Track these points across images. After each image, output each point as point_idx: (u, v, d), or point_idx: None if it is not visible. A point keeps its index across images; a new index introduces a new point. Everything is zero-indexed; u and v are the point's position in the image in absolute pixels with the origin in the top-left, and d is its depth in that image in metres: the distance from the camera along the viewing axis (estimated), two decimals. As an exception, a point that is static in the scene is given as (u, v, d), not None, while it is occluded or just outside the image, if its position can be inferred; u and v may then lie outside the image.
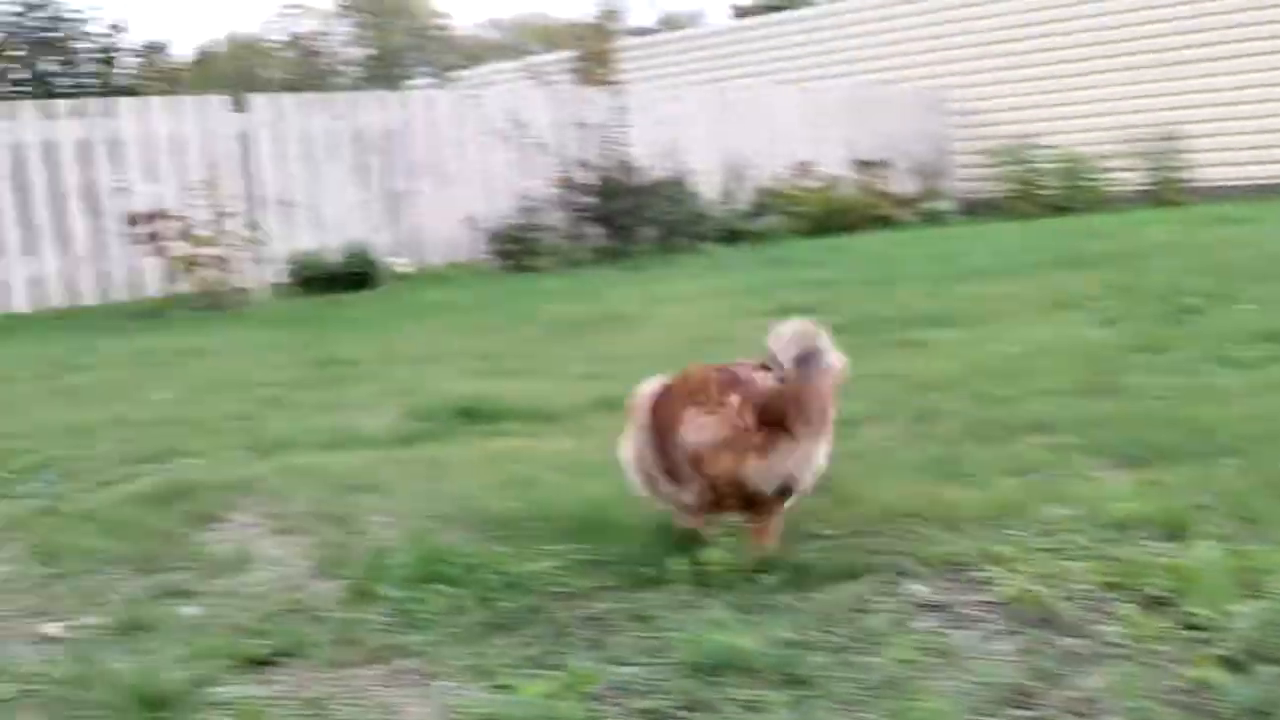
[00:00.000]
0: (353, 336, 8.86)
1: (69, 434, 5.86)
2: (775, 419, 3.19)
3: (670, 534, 3.55)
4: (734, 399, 3.25)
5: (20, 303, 11.94)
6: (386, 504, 4.21)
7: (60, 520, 4.32)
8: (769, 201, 16.27)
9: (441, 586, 3.30)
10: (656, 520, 3.63)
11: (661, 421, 3.40)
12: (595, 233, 14.40)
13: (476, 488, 4.27)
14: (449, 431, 5.27)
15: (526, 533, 3.72)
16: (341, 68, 22.55)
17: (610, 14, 24.23)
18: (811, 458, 3.25)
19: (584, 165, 14.44)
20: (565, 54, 20.70)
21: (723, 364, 3.40)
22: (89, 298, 12.20)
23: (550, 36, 45.01)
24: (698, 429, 3.28)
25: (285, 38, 36.43)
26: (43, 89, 19.68)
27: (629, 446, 3.54)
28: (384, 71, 20.61)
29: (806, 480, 3.29)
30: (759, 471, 3.23)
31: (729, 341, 7.21)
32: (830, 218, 16.03)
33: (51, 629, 3.30)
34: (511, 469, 4.50)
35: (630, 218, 14.26)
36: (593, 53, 18.69)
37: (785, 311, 7.81)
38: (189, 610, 3.36)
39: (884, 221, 16.56)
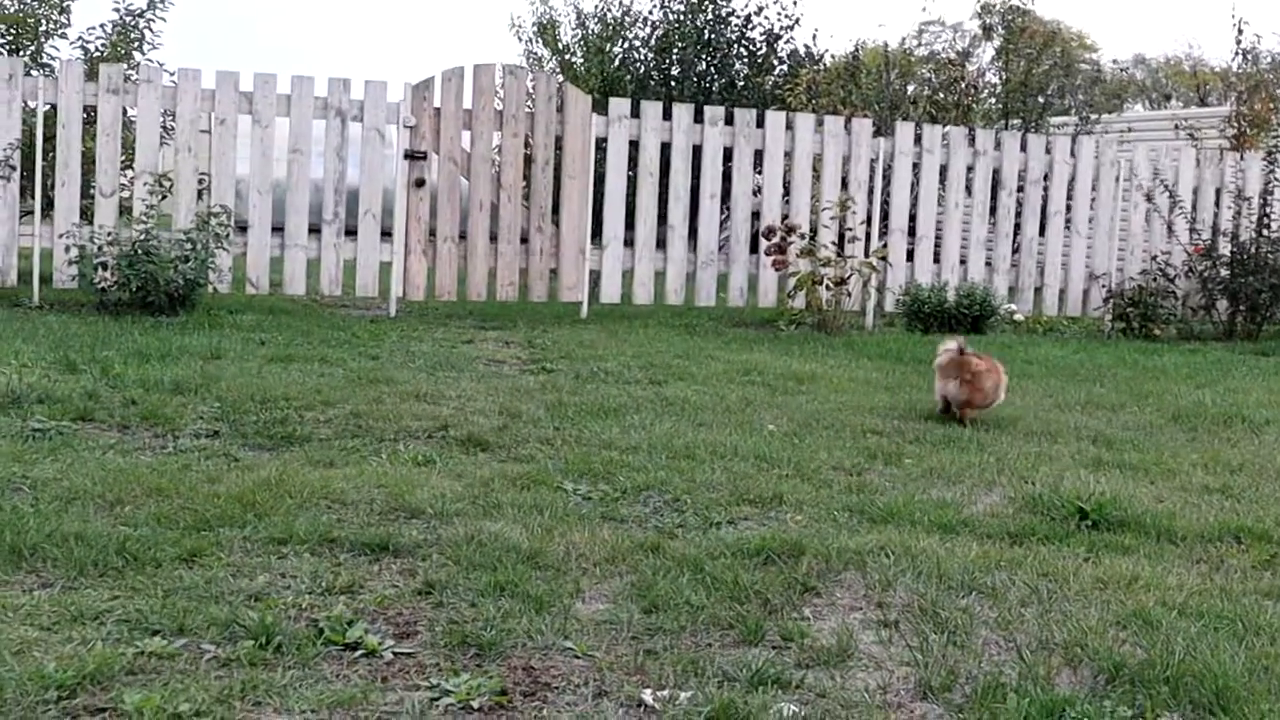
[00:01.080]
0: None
1: (678, 455, 5.92)
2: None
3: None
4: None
5: (643, 295, 12.39)
6: (996, 616, 3.95)
7: (664, 562, 4.30)
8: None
9: (1056, 744, 3.02)
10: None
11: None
12: (1223, 307, 13.56)
13: (1094, 620, 3.93)
14: (1063, 534, 4.92)
15: (1150, 694, 3.36)
16: (981, 96, 22.20)
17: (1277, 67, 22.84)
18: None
19: (1226, 235, 13.62)
20: (1217, 110, 19.65)
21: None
22: (704, 299, 12.52)
23: (1200, 82, 43.00)
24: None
25: (928, 54, 36.45)
26: (697, 89, 20.43)
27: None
28: (1023, 104, 20.06)
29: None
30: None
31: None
32: None
33: (649, 697, 3.24)
34: (1131, 602, 4.12)
35: (1265, 296, 13.33)
36: (1249, 113, 17.61)
37: None
38: (788, 709, 3.21)
39: None
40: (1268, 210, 13.63)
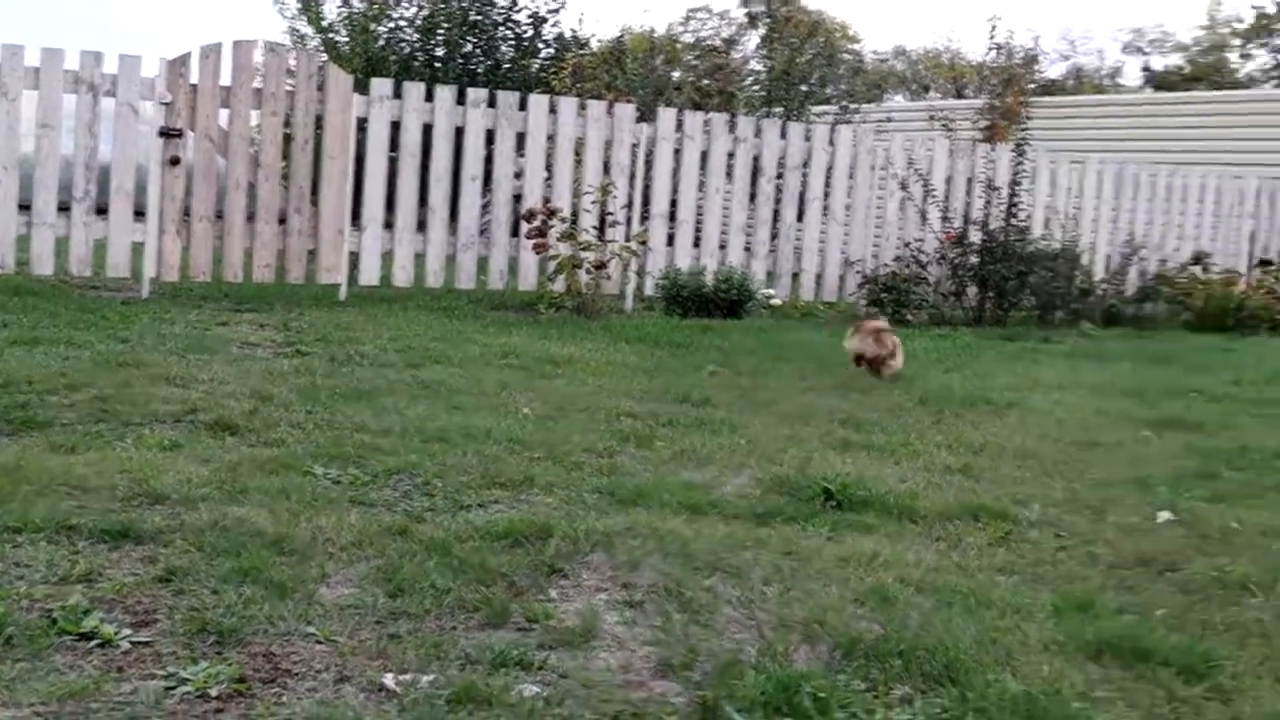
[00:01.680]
0: (716, 378, 8.74)
1: (431, 439, 5.90)
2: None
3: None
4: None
5: (403, 278, 12.29)
6: (739, 595, 4.04)
7: (411, 545, 4.29)
8: (1158, 288, 15.55)
9: (789, 720, 3.10)
10: (1024, 677, 3.35)
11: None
12: (973, 293, 14.04)
13: (834, 598, 4.05)
14: (809, 514, 5.05)
15: (884, 667, 3.48)
16: (744, 83, 22.54)
17: (1031, 61, 23.66)
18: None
19: (976, 224, 14.11)
20: (971, 103, 20.29)
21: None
22: (464, 282, 12.48)
23: (957, 75, 44.31)
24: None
25: (694, 41, 36.86)
26: (463, 71, 20.33)
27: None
28: (785, 92, 20.41)
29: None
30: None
31: (1109, 449, 6.87)
32: (1219, 315, 15.17)
33: (390, 681, 3.23)
34: (871, 579, 4.26)
35: (1012, 283, 13.84)
36: (1002, 106, 18.23)
37: (1168, 426, 7.53)
38: (528, 689, 3.24)
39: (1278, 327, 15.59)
40: (1016, 200, 14.15)
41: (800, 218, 14.10)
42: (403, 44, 21.27)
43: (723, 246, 13.58)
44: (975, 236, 14.09)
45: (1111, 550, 4.86)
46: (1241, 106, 20.30)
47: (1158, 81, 47.65)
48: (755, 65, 25.16)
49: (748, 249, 13.74)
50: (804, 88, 21.12)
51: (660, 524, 4.72)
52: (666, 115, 13.33)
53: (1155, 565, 4.69)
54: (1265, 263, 17.18)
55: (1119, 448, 6.99)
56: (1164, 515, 5.44)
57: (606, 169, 12.87)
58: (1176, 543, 5.01)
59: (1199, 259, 16.25)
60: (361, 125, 12.16)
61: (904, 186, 14.35)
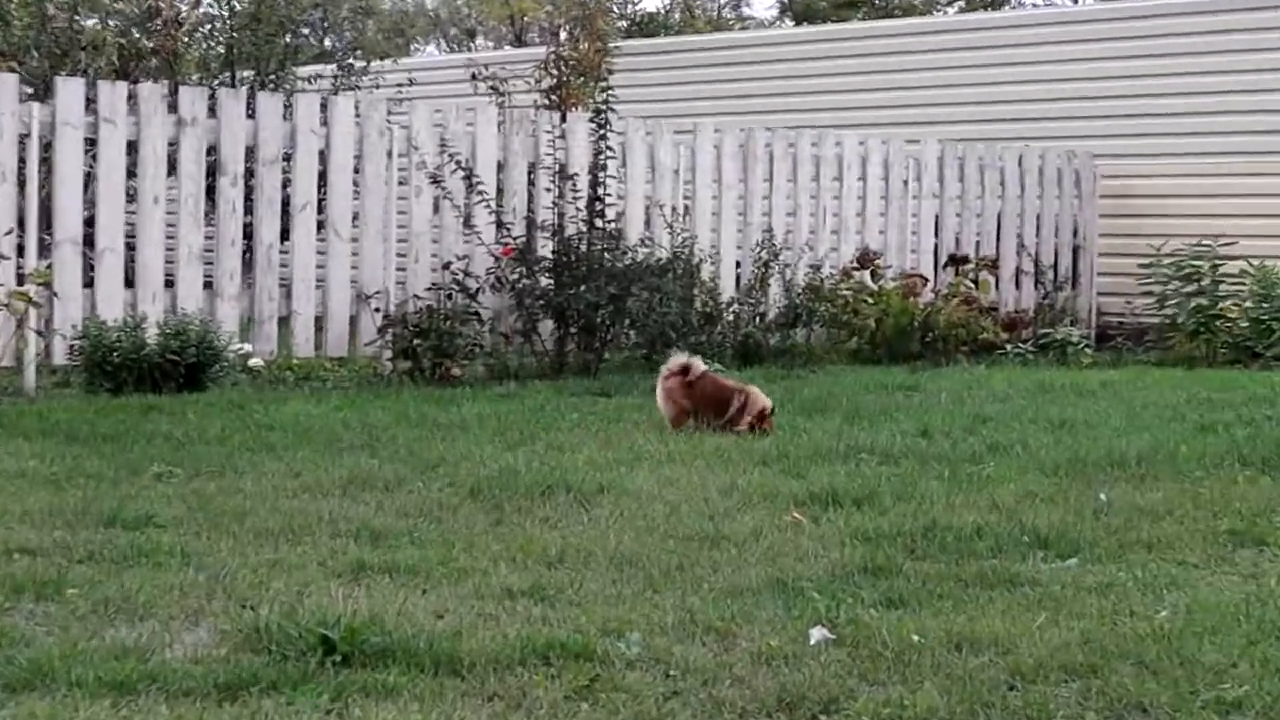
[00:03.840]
0: (165, 484, 8.62)
1: None
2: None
3: None
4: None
5: None
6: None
7: None
8: (811, 306, 16.10)
9: None
10: None
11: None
12: (547, 330, 14.27)
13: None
14: (299, 678, 5.02)
15: None
16: (197, 37, 22.40)
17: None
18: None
19: (546, 230, 14.32)
20: (533, 52, 20.72)
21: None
22: None
23: (516, 15, 45.20)
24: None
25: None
26: None
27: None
28: (256, 48, 20.39)
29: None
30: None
31: (742, 543, 7.08)
32: (900, 338, 15.91)
33: None
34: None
35: (604, 313, 14.10)
36: (574, 57, 18.65)
37: (825, 502, 7.83)
38: None
39: (981, 349, 16.40)
40: (601, 193, 14.43)
41: (286, 235, 14.05)
42: None
43: (170, 284, 13.39)
44: (546, 249, 14.30)
45: (743, 690, 5.00)
46: (915, 41, 21.32)
47: (798, 11, 49.70)
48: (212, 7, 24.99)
49: (210, 286, 13.59)
50: (287, 39, 21.23)
51: (70, 715, 4.61)
52: (70, 89, 13.09)
53: (806, 707, 4.85)
54: (957, 260, 17.97)
55: (755, 540, 7.22)
56: (818, 633, 5.63)
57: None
58: (834, 671, 5.20)
59: (866, 260, 16.90)
60: None
61: (436, 181, 14.42)
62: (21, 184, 12.70)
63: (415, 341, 13.69)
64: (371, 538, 7.14)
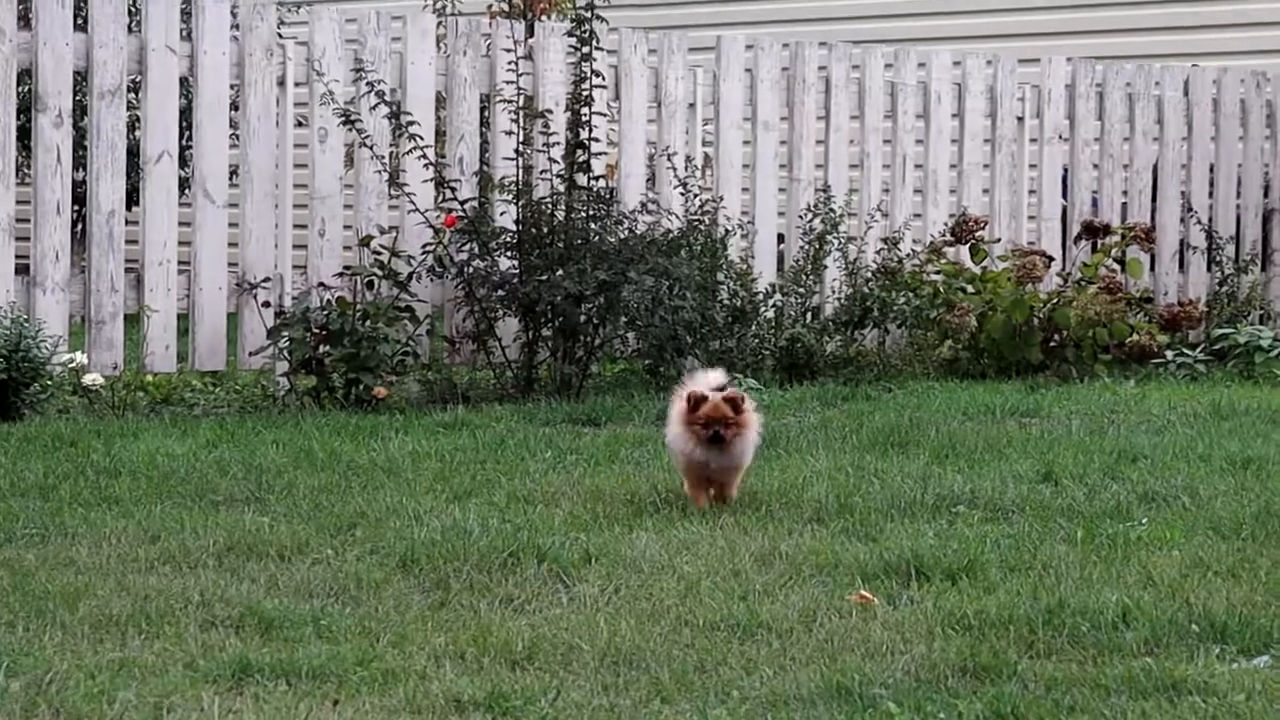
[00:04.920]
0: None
1: None
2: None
3: None
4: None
5: None
6: None
7: None
8: (885, 297, 16.00)
9: None
10: None
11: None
12: (510, 332, 14.25)
13: None
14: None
15: None
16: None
17: None
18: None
19: (507, 191, 14.31)
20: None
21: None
22: None
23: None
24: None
25: None
26: None
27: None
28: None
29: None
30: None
31: (779, 638, 7.07)
32: (1013, 342, 15.81)
33: None
34: None
35: (590, 308, 14.10)
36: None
37: (905, 577, 7.82)
38: None
39: (1130, 357, 16.32)
40: (585, 138, 14.40)
41: (135, 199, 14.03)
42: None
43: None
44: (507, 217, 14.27)
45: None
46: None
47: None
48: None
49: (25, 271, 13.59)
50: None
51: None
52: None
53: None
54: (1095, 230, 17.83)
55: (806, 629, 7.21)
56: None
57: None
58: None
59: (965, 232, 16.82)
60: None
61: (350, 121, 14.38)
62: None
63: (322, 349, 13.66)
64: (261, 628, 7.13)
